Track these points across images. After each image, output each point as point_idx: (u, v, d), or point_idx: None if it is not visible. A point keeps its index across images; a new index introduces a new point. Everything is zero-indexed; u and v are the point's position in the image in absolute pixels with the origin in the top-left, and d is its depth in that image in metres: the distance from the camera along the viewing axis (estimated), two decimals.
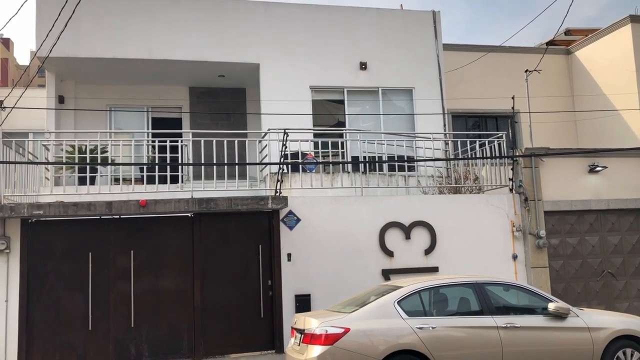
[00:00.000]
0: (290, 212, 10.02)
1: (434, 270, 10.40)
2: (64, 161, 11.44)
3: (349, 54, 13.79)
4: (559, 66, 16.97)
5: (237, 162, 12.08)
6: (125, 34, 12.79)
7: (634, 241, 11.80)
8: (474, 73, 15.51)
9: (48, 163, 10.98)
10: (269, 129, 11.15)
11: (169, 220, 9.73)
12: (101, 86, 14.18)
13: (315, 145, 12.30)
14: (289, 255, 9.92)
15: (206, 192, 10.24)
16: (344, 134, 12.40)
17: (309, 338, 6.85)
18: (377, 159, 11.95)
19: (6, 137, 9.65)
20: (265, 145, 11.49)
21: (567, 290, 11.20)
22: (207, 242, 9.79)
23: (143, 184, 11.55)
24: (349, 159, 12.11)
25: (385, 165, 11.53)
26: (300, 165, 11.39)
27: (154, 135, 12.69)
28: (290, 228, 10.02)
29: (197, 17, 13.20)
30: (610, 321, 7.66)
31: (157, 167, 10.98)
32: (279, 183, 9.99)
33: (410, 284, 7.42)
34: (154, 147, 12.14)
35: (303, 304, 9.74)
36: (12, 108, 9.91)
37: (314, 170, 11.50)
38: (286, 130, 10.21)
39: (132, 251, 9.52)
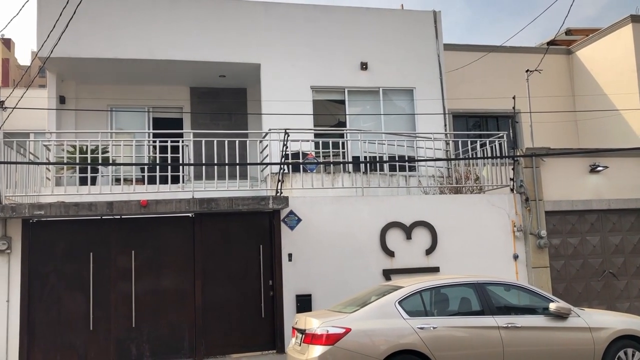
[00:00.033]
0: (291, 212, 10.02)
1: (435, 270, 10.40)
2: (65, 161, 11.45)
3: (350, 54, 13.79)
4: (559, 66, 16.96)
5: (238, 162, 12.09)
6: (126, 34, 12.80)
7: (635, 241, 11.79)
8: (474, 73, 15.51)
9: (49, 163, 10.98)
10: (269, 129, 11.16)
11: (170, 221, 9.73)
12: (102, 86, 14.19)
13: (316, 145, 12.30)
14: (290, 255, 9.92)
15: (207, 192, 10.25)
16: (345, 134, 12.40)
17: (310, 338, 6.85)
18: (377, 159, 11.95)
19: (7, 137, 9.65)
20: (266, 146, 11.49)
21: (568, 290, 11.19)
22: (208, 242, 9.79)
23: (144, 184, 11.53)
24: (350, 159, 12.11)
25: (386, 165, 11.53)
26: (301, 166, 11.40)
27: (155, 135, 12.69)
28: (291, 228, 10.02)
29: (198, 17, 13.21)
30: (612, 321, 7.66)
31: (158, 167, 10.98)
32: (279, 183, 9.99)
33: (411, 284, 7.42)
34: (155, 147, 12.13)
35: (304, 304, 9.74)
36: (14, 108, 9.90)
37: (314, 170, 11.50)
38: (287, 130, 10.21)
39: (133, 251, 9.52)
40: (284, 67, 13.36)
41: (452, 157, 12.85)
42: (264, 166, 11.71)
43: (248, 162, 13.08)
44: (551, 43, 17.88)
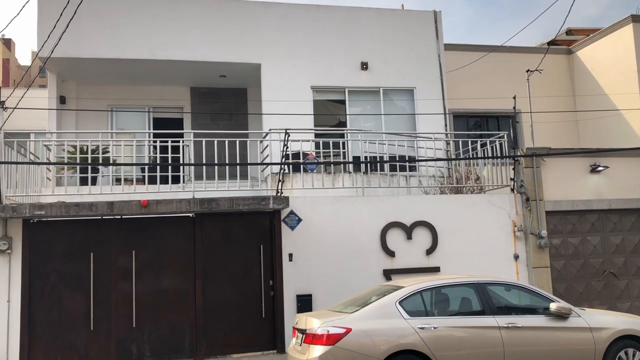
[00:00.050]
0: (292, 212, 10.03)
1: (435, 270, 10.39)
2: (66, 161, 11.45)
3: (350, 54, 13.79)
4: (560, 66, 16.96)
5: (238, 162, 12.09)
6: (126, 34, 12.80)
7: (636, 241, 11.79)
8: (475, 73, 15.50)
9: (50, 163, 10.99)
10: (270, 129, 11.16)
11: (170, 221, 9.73)
12: (102, 86, 14.19)
13: (317, 145, 12.29)
14: (291, 255, 9.92)
15: (208, 192, 10.25)
16: (345, 134, 12.40)
17: (310, 338, 6.85)
18: (378, 159, 11.95)
19: (8, 137, 9.65)
20: (267, 146, 11.49)
21: (569, 290, 11.19)
22: (209, 242, 9.79)
23: (144, 184, 11.54)
24: (350, 159, 12.12)
25: (386, 165, 11.52)
26: (301, 166, 11.40)
27: (156, 135, 12.68)
28: (292, 228, 10.02)
29: (198, 17, 13.21)
30: (612, 321, 7.66)
31: (158, 167, 10.98)
32: (280, 183, 10.00)
33: (411, 284, 7.42)
34: (155, 147, 12.12)
35: (304, 304, 9.74)
36: (14, 108, 9.90)
37: (315, 170, 11.50)
38: (287, 131, 10.20)
39: (133, 251, 9.53)
40: (284, 67, 13.36)
41: (453, 157, 12.85)
42: (265, 166, 11.71)
43: (248, 162, 13.08)
44: (552, 43, 17.86)
